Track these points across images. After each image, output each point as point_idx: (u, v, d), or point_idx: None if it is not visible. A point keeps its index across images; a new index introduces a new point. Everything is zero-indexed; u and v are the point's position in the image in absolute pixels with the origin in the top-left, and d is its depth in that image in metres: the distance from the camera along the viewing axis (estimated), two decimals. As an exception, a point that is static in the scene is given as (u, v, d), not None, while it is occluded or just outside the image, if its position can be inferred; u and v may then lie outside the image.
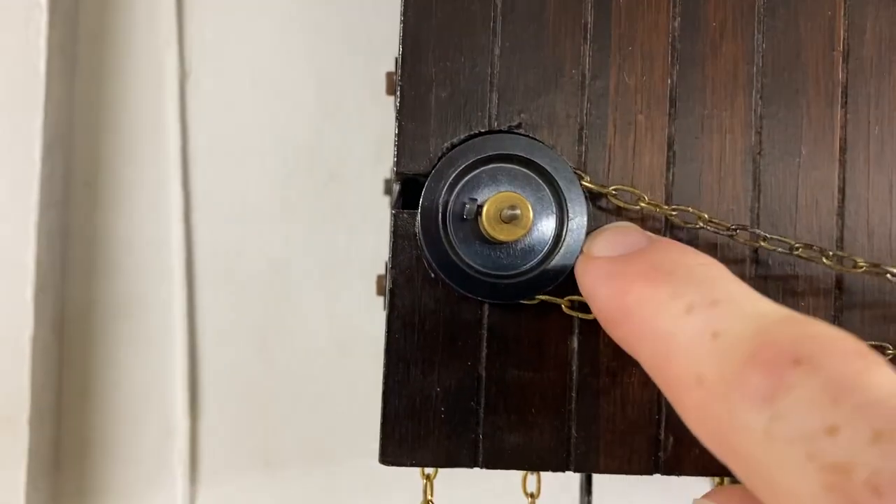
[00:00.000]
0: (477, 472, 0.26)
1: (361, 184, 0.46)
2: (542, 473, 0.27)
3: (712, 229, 0.24)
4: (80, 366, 0.45)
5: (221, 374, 0.45)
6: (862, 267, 0.22)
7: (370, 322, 0.46)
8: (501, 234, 0.23)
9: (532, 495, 0.29)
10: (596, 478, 0.32)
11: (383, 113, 0.46)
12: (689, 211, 0.23)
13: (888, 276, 0.22)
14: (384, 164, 0.46)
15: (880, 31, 0.26)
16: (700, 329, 0.18)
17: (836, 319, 0.25)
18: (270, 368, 0.45)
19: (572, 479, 0.39)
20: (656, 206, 0.23)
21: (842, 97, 0.26)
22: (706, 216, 0.23)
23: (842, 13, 0.26)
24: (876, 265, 0.22)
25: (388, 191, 0.43)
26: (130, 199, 0.45)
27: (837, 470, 0.15)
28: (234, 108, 0.46)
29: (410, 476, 0.28)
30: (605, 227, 0.24)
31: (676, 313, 0.19)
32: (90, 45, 0.45)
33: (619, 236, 0.23)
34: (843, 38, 0.26)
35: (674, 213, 0.23)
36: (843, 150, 0.26)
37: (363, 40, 0.46)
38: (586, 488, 0.31)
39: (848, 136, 0.26)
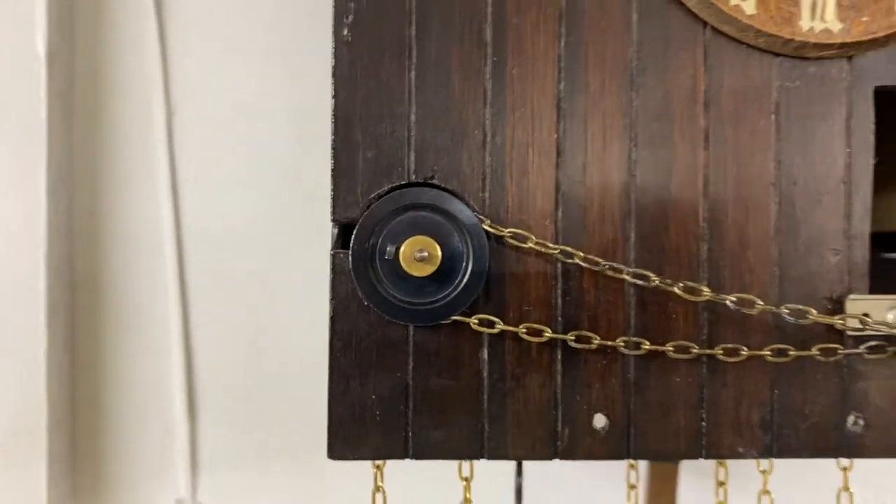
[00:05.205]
0: (427, 463, 0.32)
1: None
2: (481, 460, 0.32)
3: (587, 266, 0.29)
4: (89, 378, 0.51)
5: (215, 380, 0.51)
6: (706, 296, 0.27)
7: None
8: (416, 270, 0.28)
9: (467, 479, 0.34)
10: (527, 462, 0.37)
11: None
12: (568, 250, 0.29)
13: (727, 302, 0.27)
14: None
15: (735, 85, 0.31)
16: None
17: (708, 332, 0.30)
18: (259, 372, 0.51)
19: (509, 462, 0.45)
20: (543, 244, 0.28)
21: (704, 141, 0.31)
22: (582, 254, 0.29)
23: (702, 70, 0.31)
24: (717, 294, 0.27)
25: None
26: (128, 223, 0.51)
27: None
28: (217, 139, 0.51)
29: (393, 466, 0.33)
30: None
31: None
32: (86, 90, 0.51)
33: None
34: (704, 91, 0.31)
35: (556, 250, 0.28)
36: (706, 185, 0.31)
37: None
38: (517, 470, 0.36)
39: (709, 174, 0.31)
